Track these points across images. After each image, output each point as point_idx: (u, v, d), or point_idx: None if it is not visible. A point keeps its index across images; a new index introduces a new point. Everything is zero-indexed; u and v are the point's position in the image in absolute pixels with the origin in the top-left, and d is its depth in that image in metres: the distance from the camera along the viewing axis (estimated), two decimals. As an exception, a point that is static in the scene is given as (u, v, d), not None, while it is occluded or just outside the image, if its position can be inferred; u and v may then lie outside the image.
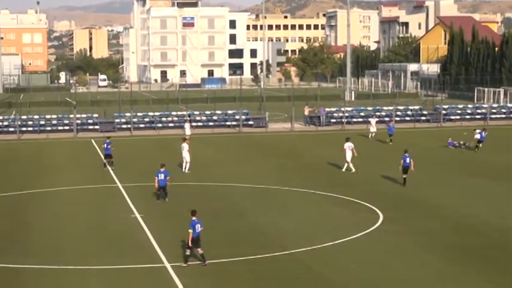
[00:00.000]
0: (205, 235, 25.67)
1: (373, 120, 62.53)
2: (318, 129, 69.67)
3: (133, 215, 32.92)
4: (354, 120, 73.49)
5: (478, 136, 51.70)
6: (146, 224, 30.98)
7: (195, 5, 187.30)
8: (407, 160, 38.92)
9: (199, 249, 24.95)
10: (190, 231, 24.84)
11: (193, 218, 25.13)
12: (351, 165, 43.80)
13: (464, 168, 45.34)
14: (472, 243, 27.36)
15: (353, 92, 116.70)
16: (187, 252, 24.89)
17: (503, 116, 76.76)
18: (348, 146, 44.03)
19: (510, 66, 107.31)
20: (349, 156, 43.86)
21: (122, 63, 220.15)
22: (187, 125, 63.06)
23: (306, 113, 73.78)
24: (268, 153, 53.76)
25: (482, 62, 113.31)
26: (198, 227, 25.01)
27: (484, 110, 77.12)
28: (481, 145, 51.64)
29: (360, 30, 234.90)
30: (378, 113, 71.26)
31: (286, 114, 76.99)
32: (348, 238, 28.22)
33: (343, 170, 44.01)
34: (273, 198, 36.91)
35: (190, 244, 24.89)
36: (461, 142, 54.01)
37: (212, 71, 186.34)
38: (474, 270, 24.04)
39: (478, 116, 76.04)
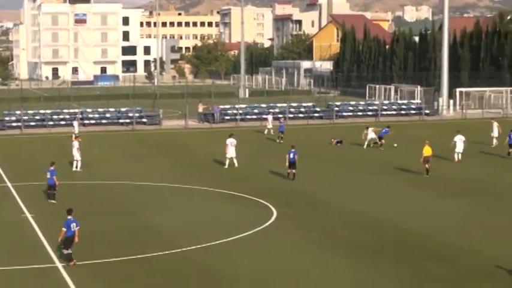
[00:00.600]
0: (95, 234, 25.35)
1: (269, 117, 63.04)
2: (212, 126, 69.74)
3: (23, 215, 32.19)
4: (248, 117, 73.87)
5: (371, 135, 52.53)
6: (37, 224, 30.35)
7: (87, 1, 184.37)
8: (291, 155, 39.44)
9: (68, 250, 24.55)
10: (64, 229, 24.49)
11: (69, 217, 24.74)
12: (234, 160, 43.97)
13: (356, 164, 46.20)
14: (364, 238, 27.85)
15: (247, 89, 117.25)
16: (68, 251, 24.48)
17: (394, 112, 78.57)
18: (231, 142, 44.17)
19: (400, 64, 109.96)
20: (231, 152, 44.03)
21: (12, 60, 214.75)
22: (75, 123, 62.23)
23: (200, 110, 73.78)
24: (161, 151, 53.53)
25: (373, 59, 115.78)
26: (74, 226, 24.62)
27: (375, 107, 78.79)
28: (383, 141, 52.50)
29: (253, 27, 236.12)
30: (271, 110, 71.87)
31: (180, 111, 76.79)
32: (242, 235, 28.30)
33: (226, 166, 44.16)
34: (166, 195, 36.71)
35: (62, 242, 24.59)
36: (338, 140, 54.86)
37: (105, 68, 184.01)
38: (367, 264, 24.50)
39: (369, 113, 77.56)
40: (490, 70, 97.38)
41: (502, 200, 34.53)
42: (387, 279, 22.89)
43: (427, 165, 40.54)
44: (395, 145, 50.81)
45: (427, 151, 40.75)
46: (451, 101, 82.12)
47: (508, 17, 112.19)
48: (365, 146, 52.03)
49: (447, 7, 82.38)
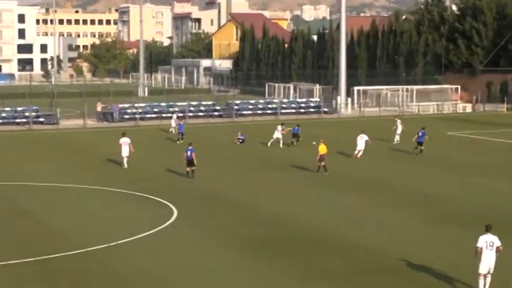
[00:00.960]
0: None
1: (174, 116, 62.77)
2: (111, 125, 68.94)
3: None
4: (148, 116, 73.33)
5: (277, 134, 52.90)
6: None
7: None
8: (189, 153, 39.41)
9: None
10: None
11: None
12: (124, 160, 43.63)
13: (256, 162, 46.45)
14: (261, 234, 28.04)
15: (146, 88, 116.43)
16: None
17: (293, 110, 79.30)
18: (124, 141, 43.79)
19: (299, 63, 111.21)
20: (125, 151, 43.65)
21: None
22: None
23: (99, 109, 72.86)
24: (59, 151, 52.60)
25: (272, 58, 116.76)
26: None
27: (275, 105, 79.38)
28: (299, 139, 52.99)
29: (152, 25, 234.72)
30: (175, 109, 71.53)
31: (78, 110, 75.63)
32: (143, 234, 28.05)
33: (125, 166, 43.72)
34: (65, 196, 36.10)
35: None
36: (241, 137, 55.11)
37: (0, 66, 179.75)
38: (267, 260, 24.63)
39: (269, 111, 78.10)
40: (387, 68, 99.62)
41: (396, 195, 35.28)
42: (283, 274, 23.14)
43: (322, 163, 41.09)
44: (314, 143, 51.35)
45: (322, 149, 41.32)
46: (349, 99, 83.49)
47: (404, 17, 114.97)
48: (269, 144, 52.37)
49: (344, 6, 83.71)
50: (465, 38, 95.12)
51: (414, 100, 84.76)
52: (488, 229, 21.10)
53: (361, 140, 46.77)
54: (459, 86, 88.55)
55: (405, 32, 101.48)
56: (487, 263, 20.67)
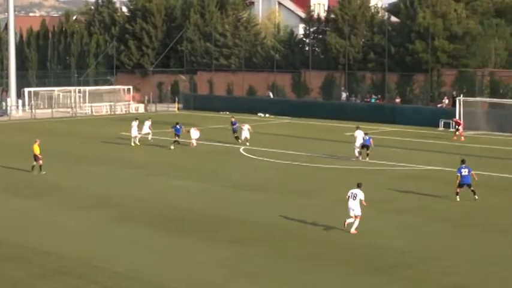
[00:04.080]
0: None
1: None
2: None
3: None
4: None
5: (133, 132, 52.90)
6: None
7: None
8: None
9: None
10: None
11: None
12: None
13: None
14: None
15: None
16: None
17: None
18: None
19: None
20: None
21: None
22: None
23: None
24: None
25: None
26: None
27: None
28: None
29: None
30: None
31: None
32: None
33: None
34: None
35: None
36: None
37: None
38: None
39: None
40: (59, 69, 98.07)
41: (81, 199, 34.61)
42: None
43: (39, 162, 40.40)
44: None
45: (36, 149, 40.50)
46: (20, 101, 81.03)
47: (74, 17, 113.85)
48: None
49: (12, 6, 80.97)
50: (136, 39, 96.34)
51: (87, 101, 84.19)
52: (359, 186, 27.83)
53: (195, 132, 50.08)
54: (131, 87, 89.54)
55: (76, 33, 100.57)
56: (350, 207, 27.34)
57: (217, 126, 65.25)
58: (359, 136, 46.30)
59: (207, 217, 30.38)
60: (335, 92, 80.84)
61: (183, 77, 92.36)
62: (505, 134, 58.85)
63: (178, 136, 52.00)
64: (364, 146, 45.83)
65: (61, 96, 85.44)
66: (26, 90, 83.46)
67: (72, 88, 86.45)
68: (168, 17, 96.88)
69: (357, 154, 46.32)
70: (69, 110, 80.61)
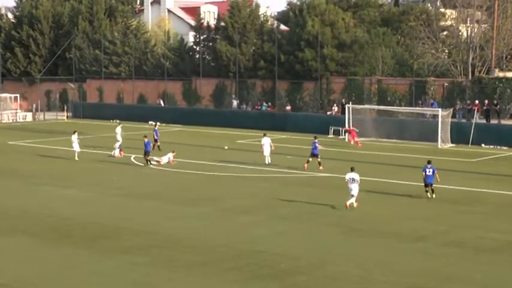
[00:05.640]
0: None
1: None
2: None
3: None
4: None
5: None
6: None
7: None
8: None
9: None
10: None
11: None
12: None
13: None
14: None
15: None
16: None
17: None
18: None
19: None
20: None
21: None
22: None
23: None
24: None
25: None
26: None
27: None
28: None
29: None
30: None
31: None
32: None
33: None
34: None
35: None
36: None
37: None
38: None
39: None
40: None
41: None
42: None
43: None
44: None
45: None
46: None
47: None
48: None
49: None
50: (23, 47, 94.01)
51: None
52: (352, 169, 33.05)
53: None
54: (18, 95, 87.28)
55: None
56: (351, 188, 32.63)
57: (107, 135, 64.14)
58: (266, 143, 46.08)
59: (95, 226, 29.66)
60: (226, 99, 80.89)
61: (71, 85, 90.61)
62: (391, 140, 59.93)
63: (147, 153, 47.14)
64: (313, 155, 44.40)
65: None
66: None
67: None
68: (56, 23, 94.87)
69: (266, 162, 45.93)
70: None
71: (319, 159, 44.43)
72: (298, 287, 22.01)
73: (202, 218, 31.41)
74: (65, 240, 27.43)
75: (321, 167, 44.02)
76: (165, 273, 23.19)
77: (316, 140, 45.19)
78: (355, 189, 32.65)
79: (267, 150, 46.06)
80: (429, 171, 34.74)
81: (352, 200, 32.71)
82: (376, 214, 32.28)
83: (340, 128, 62.92)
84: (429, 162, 35.37)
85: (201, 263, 24.28)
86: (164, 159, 47.30)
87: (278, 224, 30.15)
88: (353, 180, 32.71)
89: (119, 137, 53.57)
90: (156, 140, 52.98)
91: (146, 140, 47.10)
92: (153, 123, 62.15)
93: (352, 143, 58.02)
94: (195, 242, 27.08)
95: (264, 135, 47.54)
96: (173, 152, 48.10)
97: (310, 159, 44.41)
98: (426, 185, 35.14)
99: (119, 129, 54.74)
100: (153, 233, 28.46)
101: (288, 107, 75.14)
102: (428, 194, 35.12)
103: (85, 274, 23.10)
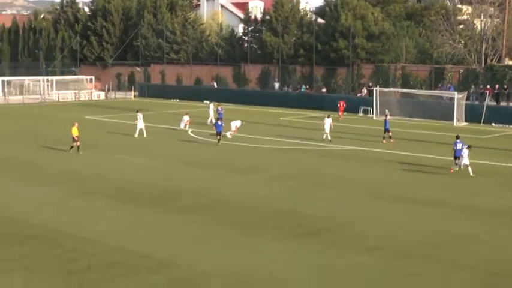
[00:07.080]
0: None
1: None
2: None
3: None
4: None
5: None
6: None
7: None
8: None
9: None
10: None
11: None
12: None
13: None
14: None
15: None
16: None
17: None
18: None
19: None
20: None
21: None
22: None
23: None
24: None
25: None
26: None
27: None
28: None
29: None
30: None
31: None
32: None
33: None
34: None
35: None
36: None
37: None
38: None
39: None
40: (29, 61, 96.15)
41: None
42: None
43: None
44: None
45: (74, 131, 39.44)
46: (-5, 89, 79.28)
47: (42, 16, 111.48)
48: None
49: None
50: (97, 36, 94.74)
51: (54, 89, 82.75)
52: (458, 137, 34.08)
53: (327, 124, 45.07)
54: (93, 77, 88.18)
55: (44, 30, 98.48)
56: (462, 155, 32.89)
57: (169, 111, 64.58)
58: (327, 123, 45.20)
59: (158, 189, 30.03)
60: (270, 82, 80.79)
61: (138, 68, 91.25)
62: (415, 119, 59.48)
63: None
64: (386, 130, 43.81)
65: (31, 84, 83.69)
66: (0, 79, 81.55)
67: (41, 78, 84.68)
68: (125, 16, 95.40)
69: (324, 137, 45.10)
70: (38, 96, 78.97)
71: (390, 134, 43.87)
72: (332, 243, 22.16)
73: (251, 184, 31.57)
74: (135, 201, 27.84)
75: (392, 140, 43.43)
76: (217, 229, 23.46)
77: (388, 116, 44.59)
78: (465, 156, 32.68)
79: (327, 128, 45.52)
80: (459, 146, 33.74)
81: (460, 165, 33.32)
82: (401, 183, 32.18)
83: (369, 108, 62.62)
84: (457, 137, 34.66)
85: (247, 222, 24.50)
86: (232, 126, 46.93)
87: (316, 190, 30.24)
88: (462, 147, 33.12)
89: (211, 112, 53.42)
90: (220, 119, 50.53)
91: (220, 122, 44.42)
92: (207, 102, 62.38)
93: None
94: (242, 205, 27.25)
95: (328, 116, 46.46)
96: (242, 121, 47.92)
97: (385, 134, 44.01)
98: (455, 157, 33.99)
99: (211, 106, 54.57)
100: (207, 196, 28.73)
101: (324, 90, 74.78)
102: (457, 166, 34.00)
103: (151, 230, 23.48)
